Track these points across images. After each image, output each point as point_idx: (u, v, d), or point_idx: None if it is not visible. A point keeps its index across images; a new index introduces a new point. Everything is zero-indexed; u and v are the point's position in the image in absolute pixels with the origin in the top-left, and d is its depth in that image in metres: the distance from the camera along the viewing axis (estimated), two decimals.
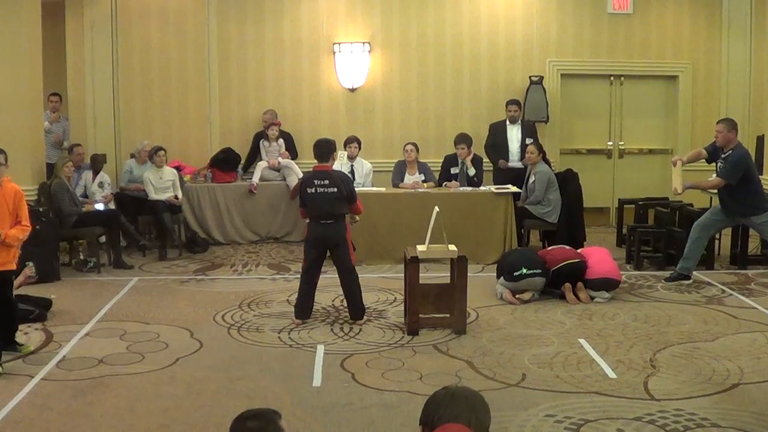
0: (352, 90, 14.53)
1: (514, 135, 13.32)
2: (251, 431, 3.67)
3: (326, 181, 8.85)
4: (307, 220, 9.23)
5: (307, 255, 9.04)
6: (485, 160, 13.23)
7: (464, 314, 8.78)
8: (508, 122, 13.44)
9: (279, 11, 14.42)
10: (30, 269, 9.30)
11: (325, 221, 8.87)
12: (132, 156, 13.49)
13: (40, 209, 11.18)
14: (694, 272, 10.99)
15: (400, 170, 12.88)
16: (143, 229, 13.04)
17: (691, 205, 12.43)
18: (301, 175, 12.70)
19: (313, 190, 8.87)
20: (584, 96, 15.18)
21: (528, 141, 12.93)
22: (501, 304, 9.85)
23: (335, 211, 8.90)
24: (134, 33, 14.23)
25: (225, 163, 13.76)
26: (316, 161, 9.11)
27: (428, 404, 3.52)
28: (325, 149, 9.07)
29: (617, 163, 15.35)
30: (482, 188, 12.48)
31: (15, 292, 8.71)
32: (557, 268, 9.98)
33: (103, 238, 12.07)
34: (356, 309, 9.06)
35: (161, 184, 12.79)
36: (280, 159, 13.62)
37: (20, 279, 9.14)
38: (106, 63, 14.10)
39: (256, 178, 13.52)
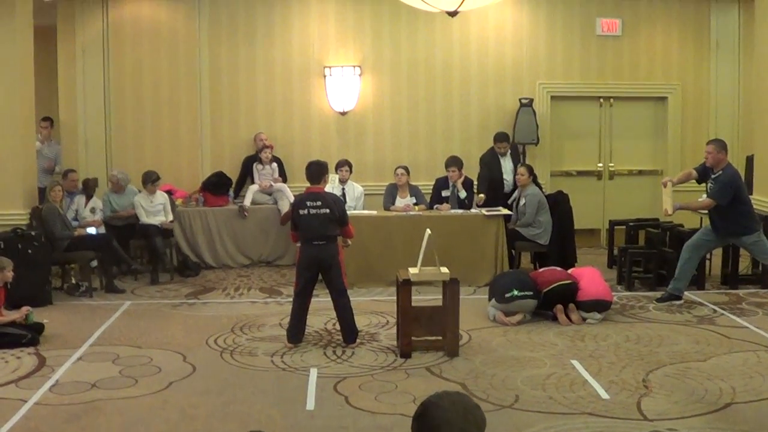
0: (343, 113, 14.57)
1: (507, 167, 13.22)
2: None
3: (318, 203, 8.89)
4: (299, 244, 9.24)
5: (299, 277, 9.05)
6: (476, 183, 13.20)
7: (457, 336, 8.79)
8: (499, 155, 13.36)
9: (270, 35, 14.48)
10: (27, 315, 9.27)
11: (318, 242, 8.89)
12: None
13: (33, 233, 11.18)
14: (686, 292, 11.01)
15: (391, 193, 12.89)
16: (135, 253, 13.02)
17: (682, 225, 12.46)
18: (293, 199, 12.72)
19: (305, 212, 8.90)
20: (574, 118, 15.24)
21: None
22: (493, 326, 9.86)
23: (327, 233, 8.93)
24: (126, 57, 14.28)
25: (216, 186, 13.76)
26: (307, 184, 9.14)
27: (421, 424, 3.45)
28: (316, 171, 9.11)
29: (607, 184, 15.40)
30: (473, 210, 12.49)
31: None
32: (549, 290, 10.00)
33: (95, 263, 12.05)
34: (349, 331, 9.06)
35: (152, 207, 12.77)
36: (272, 183, 13.63)
37: (15, 316, 9.17)
38: (97, 87, 14.15)
39: (247, 202, 13.51)
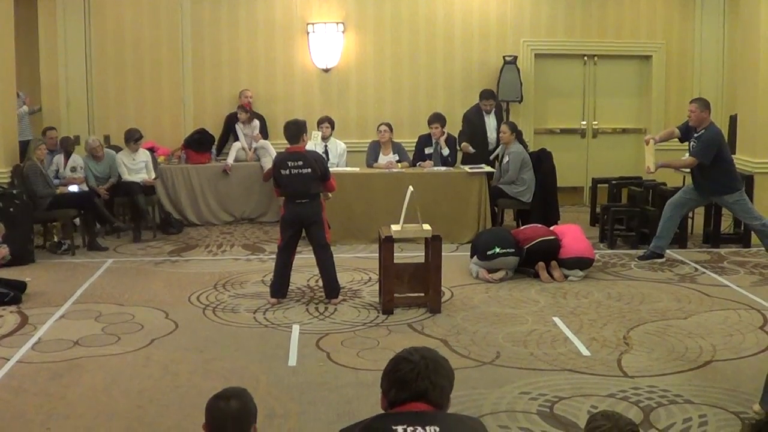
0: (326, 70, 14.49)
1: (491, 124, 13.15)
2: (235, 411, 3.72)
3: (300, 162, 8.87)
4: (283, 197, 9.24)
5: (283, 233, 9.06)
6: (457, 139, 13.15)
7: (439, 293, 8.81)
8: (484, 113, 13.27)
9: None
10: (4, 249, 9.26)
11: (301, 200, 8.89)
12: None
13: (14, 191, 11.11)
14: (667, 251, 11.06)
15: (374, 150, 12.87)
16: (117, 210, 12.97)
17: (664, 184, 12.50)
18: (275, 156, 12.68)
19: (287, 172, 8.88)
20: (558, 76, 15.21)
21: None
22: (475, 282, 9.89)
23: (310, 191, 8.92)
24: (107, 14, 14.12)
25: (199, 144, 13.69)
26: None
27: (392, 379, 3.49)
28: (294, 131, 9.07)
29: (591, 142, 15.40)
30: (456, 168, 12.47)
31: None
32: (531, 246, 10.03)
33: (77, 220, 12.01)
34: (331, 287, 9.08)
35: (134, 165, 12.72)
36: (253, 143, 13.59)
37: None
38: (78, 45, 14.00)
39: (230, 159, 13.48)
